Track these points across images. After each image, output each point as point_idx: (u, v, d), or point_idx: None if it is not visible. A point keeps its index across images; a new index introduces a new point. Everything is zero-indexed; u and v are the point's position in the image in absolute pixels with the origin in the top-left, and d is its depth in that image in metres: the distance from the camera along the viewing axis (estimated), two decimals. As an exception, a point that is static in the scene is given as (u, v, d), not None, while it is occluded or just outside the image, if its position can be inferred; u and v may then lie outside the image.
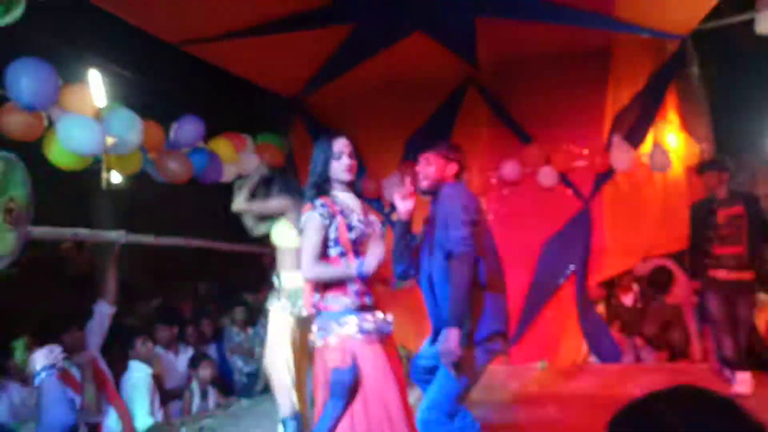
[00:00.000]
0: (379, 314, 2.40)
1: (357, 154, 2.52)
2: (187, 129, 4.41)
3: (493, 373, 4.34)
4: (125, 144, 3.76)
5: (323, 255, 2.38)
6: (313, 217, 2.37)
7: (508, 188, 5.51)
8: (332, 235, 2.38)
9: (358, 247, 2.40)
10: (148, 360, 4.23)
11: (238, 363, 5.16)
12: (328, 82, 5.39)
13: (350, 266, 2.36)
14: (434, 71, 5.39)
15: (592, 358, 5.21)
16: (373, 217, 2.54)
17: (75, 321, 3.75)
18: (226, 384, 5.02)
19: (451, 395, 2.48)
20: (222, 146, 4.82)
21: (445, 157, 2.77)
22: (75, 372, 3.61)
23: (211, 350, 5.20)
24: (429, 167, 2.77)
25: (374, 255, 2.34)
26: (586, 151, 5.27)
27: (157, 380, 4.31)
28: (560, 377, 4.81)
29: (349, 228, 2.39)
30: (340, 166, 2.47)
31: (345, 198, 2.50)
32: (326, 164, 2.47)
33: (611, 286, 5.53)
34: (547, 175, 5.31)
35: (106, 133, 3.62)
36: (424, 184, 2.79)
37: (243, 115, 5.68)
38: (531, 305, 5.30)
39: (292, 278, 3.33)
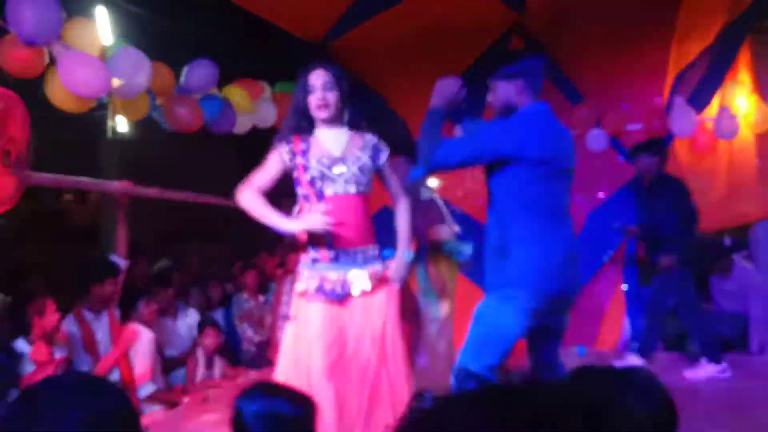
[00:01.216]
0: (350, 274, 2.47)
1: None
2: (199, 73, 4.42)
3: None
4: (132, 86, 3.78)
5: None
6: (276, 150, 2.52)
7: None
8: (295, 175, 2.51)
9: (323, 190, 2.46)
10: (150, 324, 4.33)
11: (247, 332, 5.25)
12: (355, 26, 5.33)
13: (275, 216, 2.47)
14: (475, 18, 5.26)
15: (634, 345, 5.18)
16: (357, 156, 2.53)
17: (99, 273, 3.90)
18: (233, 353, 5.11)
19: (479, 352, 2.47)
20: (236, 94, 4.83)
21: (506, 75, 2.64)
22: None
23: (219, 316, 5.27)
24: (495, 96, 2.68)
25: (306, 219, 2.43)
26: (642, 113, 5.22)
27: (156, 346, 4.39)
28: (597, 362, 4.80)
29: (305, 168, 2.47)
30: (314, 101, 2.50)
31: (327, 136, 2.54)
32: (303, 100, 2.51)
33: None
34: (596, 138, 5.27)
35: (111, 73, 3.65)
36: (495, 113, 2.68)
37: (261, 61, 5.69)
38: None
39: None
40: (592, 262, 5.28)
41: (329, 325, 2.42)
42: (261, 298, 5.46)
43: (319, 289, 2.46)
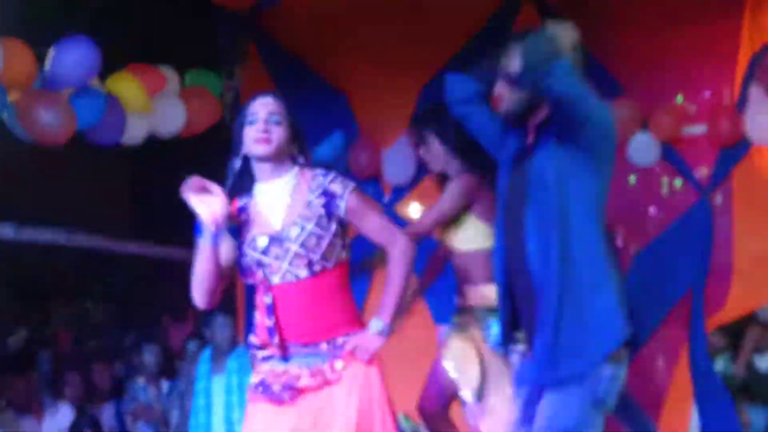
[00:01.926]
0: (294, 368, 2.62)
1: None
2: (73, 56, 4.38)
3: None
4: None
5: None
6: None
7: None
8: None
9: (269, 278, 2.60)
10: None
11: (145, 433, 5.18)
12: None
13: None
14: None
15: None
16: (306, 216, 2.61)
17: None
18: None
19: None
20: (126, 86, 4.80)
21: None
22: None
23: (105, 413, 5.22)
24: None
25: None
26: (705, 111, 5.19)
27: None
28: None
29: (241, 254, 2.65)
30: (252, 134, 2.60)
31: (267, 197, 2.66)
32: (240, 137, 2.66)
33: (737, 336, 5.47)
34: (643, 147, 5.20)
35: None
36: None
37: (164, 40, 5.70)
38: None
39: (483, 295, 3.60)
40: (644, 322, 5.12)
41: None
42: (164, 383, 5.41)
43: (261, 387, 2.65)
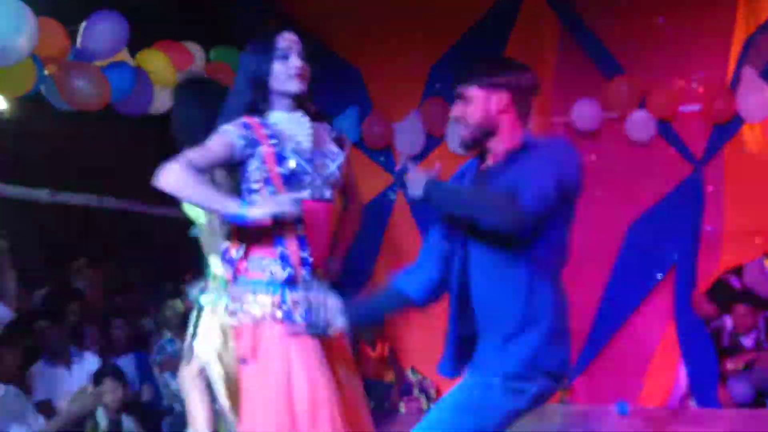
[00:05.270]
0: (327, 298, 2.45)
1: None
2: (103, 31, 4.38)
3: (547, 415, 4.27)
4: (9, 50, 3.70)
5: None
6: (225, 131, 2.42)
7: (582, 141, 5.38)
8: (252, 168, 2.45)
9: (295, 189, 2.44)
10: (17, 378, 4.27)
11: (171, 384, 5.16)
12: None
13: (229, 202, 2.39)
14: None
15: (693, 402, 5.20)
16: (332, 151, 2.59)
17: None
18: (150, 413, 5.01)
19: None
20: (155, 60, 4.81)
21: (489, 85, 2.58)
22: None
23: (127, 363, 5.19)
24: (468, 107, 2.59)
25: (275, 201, 2.37)
26: (699, 91, 5.25)
27: (43, 407, 4.34)
28: (647, 426, 4.81)
29: (279, 159, 2.43)
30: (287, 70, 2.48)
31: (287, 121, 2.51)
32: (265, 69, 2.48)
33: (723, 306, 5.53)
34: (640, 124, 5.26)
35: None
36: (464, 134, 2.62)
37: (191, 19, 5.69)
38: (606, 318, 5.32)
39: None
40: (635, 290, 5.31)
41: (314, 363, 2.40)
42: (189, 337, 5.37)
43: (289, 316, 2.42)
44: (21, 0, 3.75)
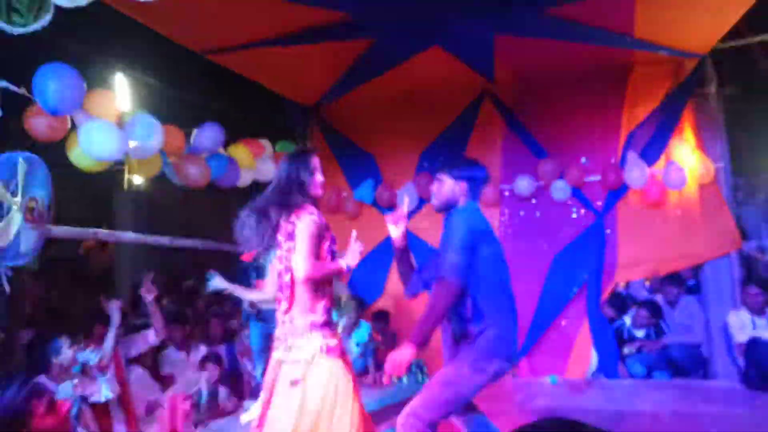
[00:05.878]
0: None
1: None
2: (208, 135, 4.43)
3: (499, 385, 4.30)
4: (146, 148, 3.78)
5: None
6: (313, 221, 2.40)
7: (521, 202, 5.45)
8: (326, 246, 2.47)
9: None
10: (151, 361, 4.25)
11: (247, 365, 5.10)
12: (346, 92, 5.42)
13: (339, 262, 2.47)
14: (451, 85, 5.39)
15: (601, 375, 5.10)
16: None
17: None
18: (238, 386, 4.96)
19: (434, 408, 2.43)
20: (240, 152, 4.84)
21: (454, 176, 2.65)
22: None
23: (222, 351, 5.13)
24: (440, 187, 2.70)
25: (353, 251, 2.48)
26: (600, 167, 5.22)
27: (169, 381, 4.32)
28: (570, 392, 4.74)
29: (333, 242, 2.49)
30: (317, 182, 2.51)
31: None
32: (308, 178, 2.48)
33: (622, 309, 5.50)
34: (560, 189, 5.26)
35: (127, 137, 3.64)
36: (435, 203, 2.72)
37: (262, 123, 5.72)
38: (541, 317, 5.25)
39: None
40: (560, 298, 5.24)
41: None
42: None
43: (337, 346, 2.46)
44: (155, 116, 3.87)
